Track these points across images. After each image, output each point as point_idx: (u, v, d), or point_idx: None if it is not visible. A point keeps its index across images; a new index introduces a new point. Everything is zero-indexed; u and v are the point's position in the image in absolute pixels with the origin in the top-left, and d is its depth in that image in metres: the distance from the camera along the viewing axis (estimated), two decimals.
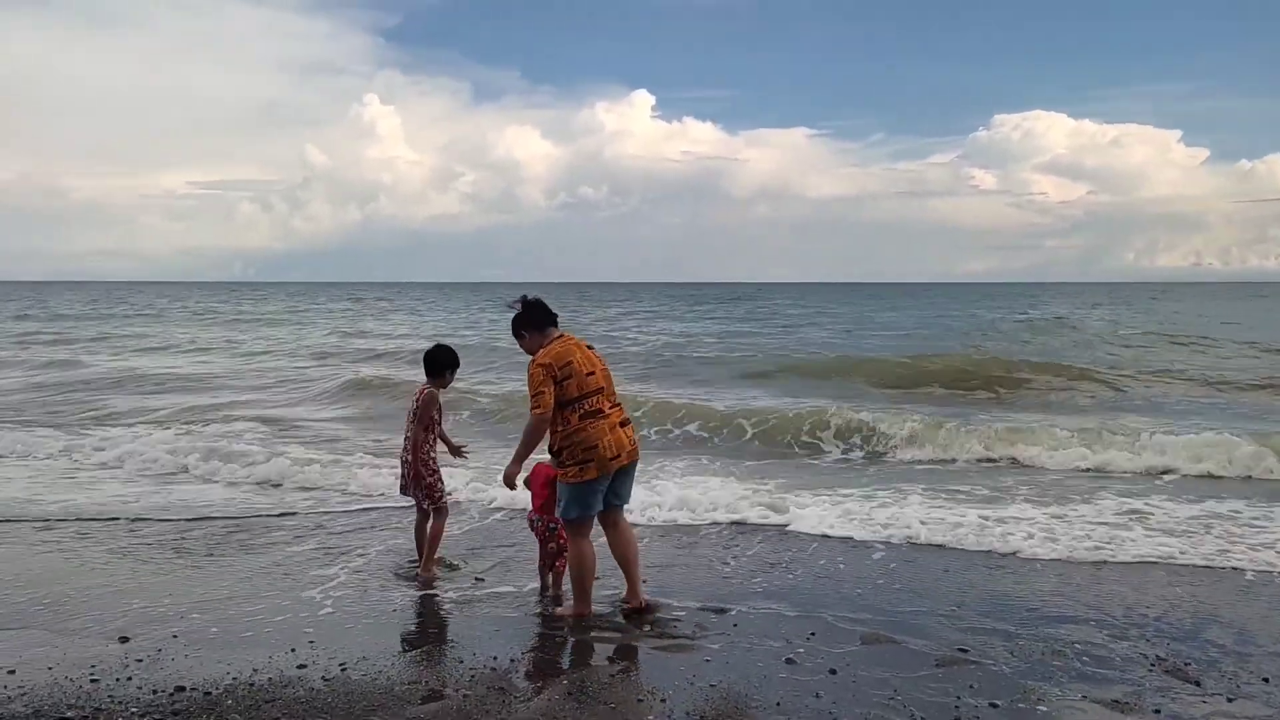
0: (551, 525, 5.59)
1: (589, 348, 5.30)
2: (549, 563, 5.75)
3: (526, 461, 5.25)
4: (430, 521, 6.18)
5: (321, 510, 8.22)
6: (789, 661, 4.62)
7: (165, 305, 61.41)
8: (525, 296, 5.33)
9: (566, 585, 5.51)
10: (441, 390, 6.26)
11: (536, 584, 5.84)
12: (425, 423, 6.10)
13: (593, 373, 5.13)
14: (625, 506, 5.42)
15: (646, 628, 5.14)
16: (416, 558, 6.29)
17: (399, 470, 6.34)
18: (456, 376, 6.41)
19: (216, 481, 9.53)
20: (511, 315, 5.34)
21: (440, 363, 6.23)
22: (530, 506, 5.78)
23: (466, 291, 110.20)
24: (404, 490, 6.31)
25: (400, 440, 6.37)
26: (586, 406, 5.05)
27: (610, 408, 5.17)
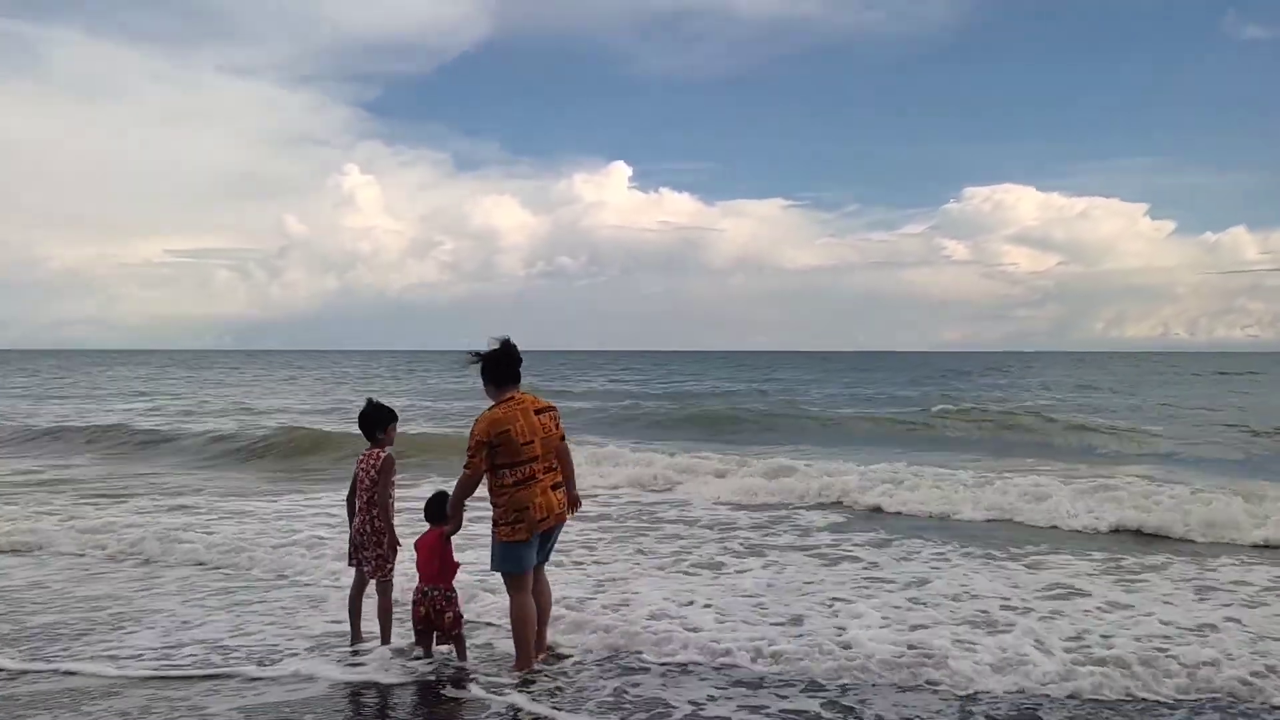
0: (448, 594, 5.43)
1: (539, 411, 5.28)
2: (447, 631, 5.43)
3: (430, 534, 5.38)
4: (378, 598, 5.77)
5: None
6: None
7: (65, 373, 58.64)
8: (504, 342, 5.32)
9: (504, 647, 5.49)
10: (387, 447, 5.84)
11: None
12: (387, 488, 5.70)
13: (530, 442, 5.16)
14: (546, 563, 5.55)
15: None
16: (350, 628, 5.90)
17: (351, 537, 5.84)
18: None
19: None
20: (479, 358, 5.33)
21: (377, 420, 5.80)
22: (418, 581, 5.47)
23: (426, 360, 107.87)
24: (353, 560, 5.82)
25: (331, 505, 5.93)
26: (520, 473, 5.15)
27: (544, 473, 5.23)
